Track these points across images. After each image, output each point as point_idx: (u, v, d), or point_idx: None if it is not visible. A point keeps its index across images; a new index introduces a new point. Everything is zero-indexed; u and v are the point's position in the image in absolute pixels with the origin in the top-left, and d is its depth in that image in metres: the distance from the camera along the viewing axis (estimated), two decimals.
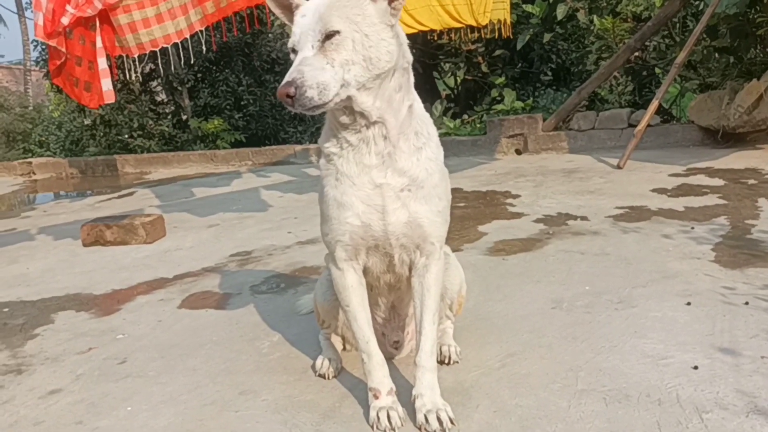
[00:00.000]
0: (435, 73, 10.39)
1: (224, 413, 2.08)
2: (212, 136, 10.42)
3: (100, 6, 4.18)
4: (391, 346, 2.28)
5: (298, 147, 8.78)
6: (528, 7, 8.08)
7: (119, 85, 9.72)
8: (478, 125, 8.22)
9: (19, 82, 23.47)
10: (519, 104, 8.17)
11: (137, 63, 4.81)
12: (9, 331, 3.03)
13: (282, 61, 11.92)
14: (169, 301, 3.28)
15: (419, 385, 1.94)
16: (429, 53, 9.27)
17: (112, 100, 4.42)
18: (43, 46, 10.23)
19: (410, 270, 2.00)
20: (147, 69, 10.06)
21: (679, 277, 2.93)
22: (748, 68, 6.88)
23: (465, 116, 8.76)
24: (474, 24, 5.93)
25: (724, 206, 4.18)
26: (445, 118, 8.52)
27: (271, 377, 2.30)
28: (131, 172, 9.23)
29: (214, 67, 11.21)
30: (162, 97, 11.80)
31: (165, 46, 4.58)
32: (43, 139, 12.86)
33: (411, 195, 1.87)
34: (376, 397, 1.94)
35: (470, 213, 4.62)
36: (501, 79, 8.86)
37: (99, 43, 4.29)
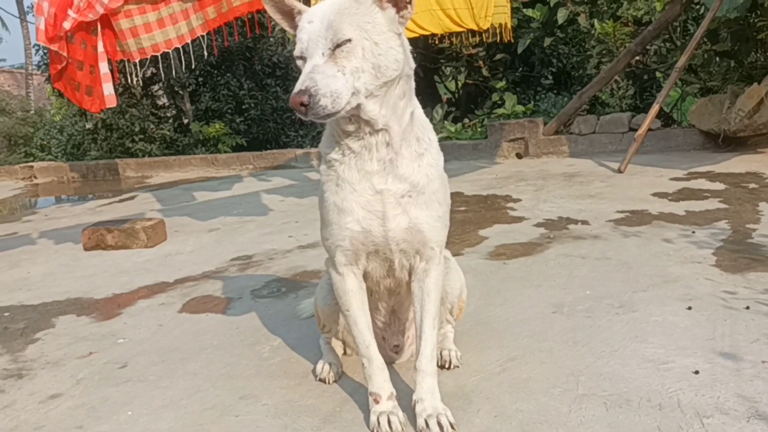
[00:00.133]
0: (436, 77, 10.40)
1: (225, 418, 2.08)
2: (213, 140, 10.42)
3: (101, 11, 4.19)
4: (391, 351, 2.27)
5: (299, 151, 8.79)
6: (529, 12, 8.09)
7: (120, 89, 9.73)
8: (479, 129, 8.23)
9: (20, 86, 23.50)
10: (520, 108, 8.16)
11: (138, 67, 4.82)
12: (10, 335, 3.03)
13: (283, 66, 11.93)
14: (169, 305, 3.28)
15: (419, 389, 1.94)
16: (430, 57, 9.29)
17: (114, 104, 4.43)
18: (45, 51, 10.23)
19: (410, 275, 2.00)
20: (148, 73, 10.05)
21: (680, 282, 2.93)
22: (748, 72, 6.87)
23: (466, 120, 8.76)
24: (475, 28, 5.93)
25: (725, 210, 4.18)
26: (446, 122, 8.52)
27: (271, 382, 2.30)
28: (132, 176, 9.24)
29: (216, 71, 11.22)
30: (163, 101, 11.81)
31: (166, 50, 4.59)
32: (45, 143, 12.86)
33: (412, 201, 1.88)
34: (377, 402, 1.94)
35: (471, 217, 4.62)
36: (502, 83, 8.87)
37: (100, 48, 4.30)
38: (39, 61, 12.65)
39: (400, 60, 1.76)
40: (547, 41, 8.26)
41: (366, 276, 2.00)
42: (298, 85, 1.64)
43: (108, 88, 4.29)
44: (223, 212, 5.68)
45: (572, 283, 3.05)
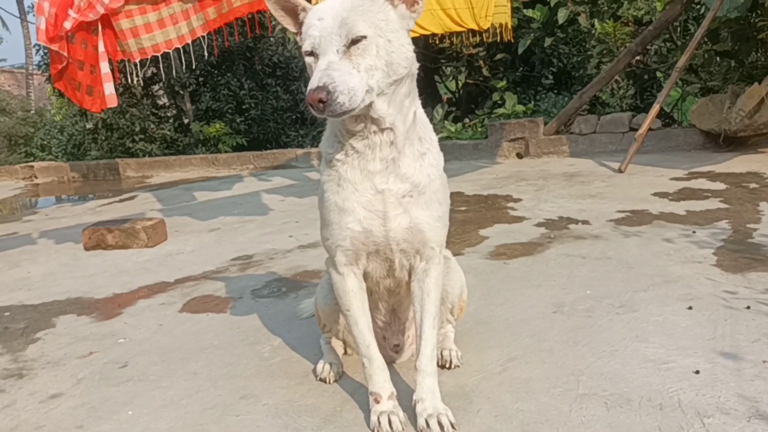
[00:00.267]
0: (436, 77, 10.40)
1: (225, 417, 2.08)
2: (214, 139, 10.43)
3: (102, 11, 4.19)
4: (391, 350, 2.27)
5: (300, 151, 8.79)
6: (529, 12, 8.09)
7: (121, 89, 9.74)
8: (480, 129, 8.22)
9: (21, 86, 23.51)
10: (520, 108, 8.16)
11: (139, 67, 4.82)
12: (10, 335, 3.03)
13: (283, 66, 11.93)
14: (170, 305, 3.28)
15: (420, 389, 1.94)
16: (430, 57, 9.28)
17: (115, 104, 4.43)
18: (45, 50, 10.25)
19: (410, 274, 2.00)
20: (149, 73, 10.05)
21: (681, 282, 2.93)
22: (749, 72, 6.87)
23: (466, 120, 8.76)
24: (475, 28, 5.93)
25: (725, 210, 4.17)
26: (446, 121, 8.52)
27: (272, 381, 2.30)
28: (133, 175, 9.24)
29: (216, 71, 11.22)
30: (164, 100, 11.81)
31: (167, 50, 4.59)
32: (45, 142, 12.87)
33: (413, 201, 1.88)
34: (377, 402, 1.94)
35: (471, 217, 4.62)
36: (502, 83, 8.87)
37: (101, 48, 4.30)
38: (39, 61, 12.65)
39: (410, 58, 1.76)
40: (548, 41, 8.26)
41: (366, 276, 2.00)
42: (315, 82, 1.62)
43: (109, 88, 4.29)
44: (223, 212, 5.68)
45: (573, 282, 3.05)
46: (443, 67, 10.13)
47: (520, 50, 8.28)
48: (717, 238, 3.55)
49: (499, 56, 9.07)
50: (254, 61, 11.52)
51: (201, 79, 11.28)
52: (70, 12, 4.10)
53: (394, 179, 1.85)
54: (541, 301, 2.85)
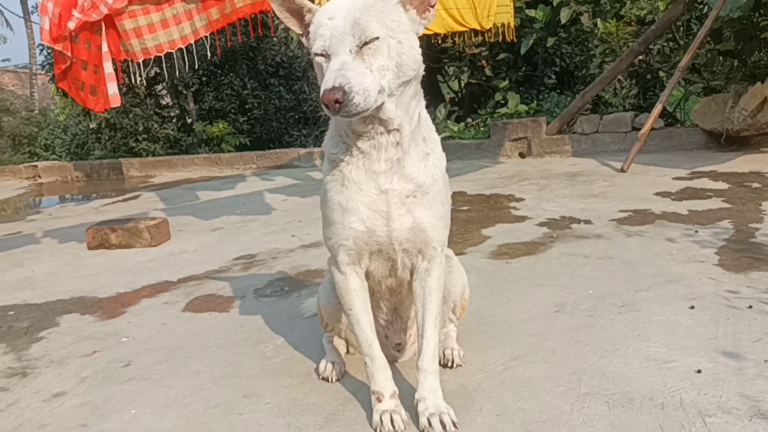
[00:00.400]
0: (439, 77, 10.40)
1: (228, 416, 2.09)
2: (217, 139, 10.44)
3: (105, 11, 4.21)
4: (393, 349, 2.28)
5: (303, 150, 8.79)
6: (531, 12, 8.08)
7: (124, 89, 9.75)
8: (482, 129, 8.22)
9: (25, 86, 23.56)
10: (523, 108, 8.16)
11: (142, 67, 4.83)
12: (14, 334, 3.05)
13: (286, 65, 11.94)
14: (173, 304, 3.29)
15: (422, 388, 1.94)
16: (433, 57, 9.28)
17: (118, 104, 4.45)
18: (49, 50, 10.26)
19: (412, 274, 2.01)
20: (152, 73, 10.07)
21: (683, 281, 2.93)
22: (752, 71, 6.86)
23: (469, 120, 8.76)
24: (478, 28, 5.94)
25: (728, 210, 4.17)
26: (449, 121, 8.52)
27: (274, 380, 2.31)
28: (136, 175, 9.26)
29: (219, 71, 11.24)
30: (167, 100, 11.83)
31: (170, 50, 4.60)
32: (49, 142, 12.90)
33: (416, 201, 1.88)
34: (379, 401, 1.94)
35: (474, 216, 4.62)
36: (505, 83, 8.86)
37: (104, 48, 4.31)
38: (43, 61, 12.68)
39: (419, 60, 1.78)
40: (550, 41, 8.25)
41: (368, 275, 2.00)
42: (329, 82, 1.61)
43: (112, 88, 4.31)
44: (226, 211, 5.69)
45: (575, 282, 3.06)
46: (446, 67, 10.13)
47: (523, 50, 8.28)
48: (719, 238, 3.55)
49: (501, 56, 9.07)
50: (257, 61, 11.54)
51: (204, 78, 11.29)
52: (74, 12, 4.12)
53: (399, 179, 1.86)
54: (543, 300, 2.85)
